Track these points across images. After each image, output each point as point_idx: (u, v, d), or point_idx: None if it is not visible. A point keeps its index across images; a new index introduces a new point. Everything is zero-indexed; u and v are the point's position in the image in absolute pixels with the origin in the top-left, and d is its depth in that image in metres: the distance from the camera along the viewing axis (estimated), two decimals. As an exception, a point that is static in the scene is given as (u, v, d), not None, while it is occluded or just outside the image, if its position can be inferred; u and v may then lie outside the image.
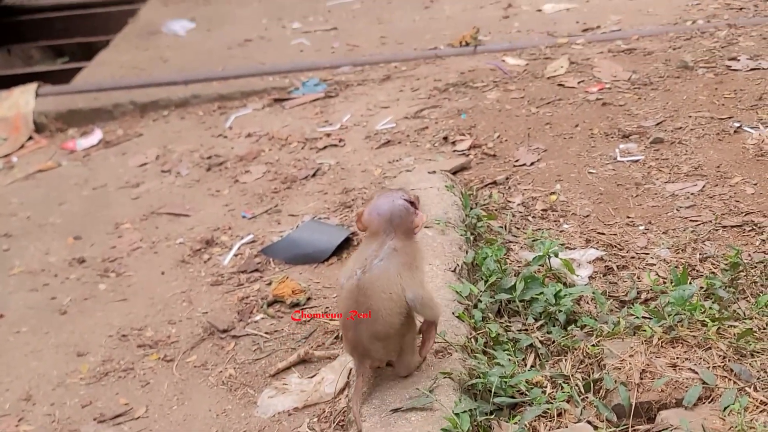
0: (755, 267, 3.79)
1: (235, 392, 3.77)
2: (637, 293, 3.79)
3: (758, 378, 3.07)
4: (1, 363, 4.33)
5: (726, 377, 3.08)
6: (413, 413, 2.99)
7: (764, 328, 3.27)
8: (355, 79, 6.76)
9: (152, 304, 4.55)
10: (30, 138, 6.98)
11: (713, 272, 3.84)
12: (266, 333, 4.09)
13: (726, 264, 3.80)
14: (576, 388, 3.19)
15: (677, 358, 3.17)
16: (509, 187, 4.84)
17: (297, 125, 6.20)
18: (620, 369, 3.15)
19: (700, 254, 4.01)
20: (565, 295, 3.65)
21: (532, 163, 5.06)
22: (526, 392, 3.17)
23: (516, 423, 3.05)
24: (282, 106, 6.58)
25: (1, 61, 10.26)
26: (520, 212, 4.57)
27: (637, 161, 4.91)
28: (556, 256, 3.85)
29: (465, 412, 2.95)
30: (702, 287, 3.67)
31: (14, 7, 10.70)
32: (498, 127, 5.52)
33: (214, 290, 4.54)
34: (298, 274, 4.48)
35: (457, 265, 3.80)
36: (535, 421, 3.09)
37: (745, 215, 4.28)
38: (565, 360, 3.35)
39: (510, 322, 3.63)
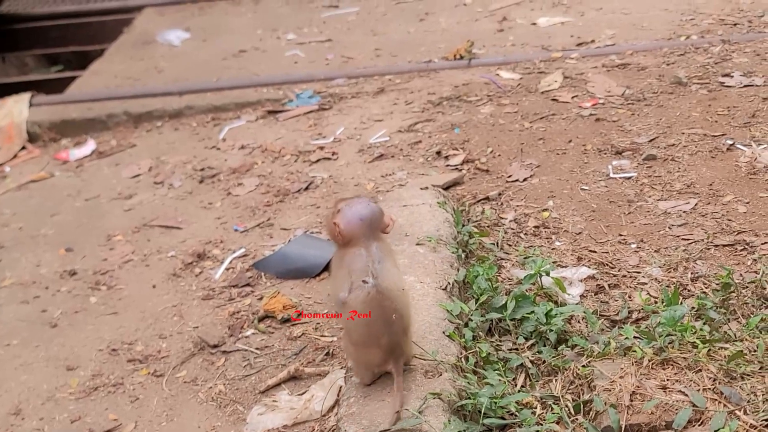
0: (746, 287, 3.79)
1: (225, 409, 3.76)
2: (629, 313, 3.79)
3: (748, 401, 3.07)
4: (-9, 376, 4.32)
5: (716, 400, 3.08)
6: (402, 434, 2.98)
7: (755, 351, 3.26)
8: (349, 91, 6.76)
9: (143, 318, 4.54)
10: (23, 148, 6.96)
11: (704, 292, 3.84)
12: (257, 348, 4.08)
13: (717, 284, 3.80)
14: (566, 409, 3.19)
15: (667, 380, 3.17)
16: (502, 203, 4.84)
17: (290, 138, 6.19)
18: (610, 390, 3.15)
19: (691, 273, 4.01)
20: (556, 314, 3.65)
21: (524, 179, 5.06)
22: (516, 413, 3.16)
23: (505, 444, 3.05)
24: (276, 118, 6.58)
25: (-4, 69, 10.25)
26: (512, 229, 4.57)
27: (629, 178, 4.91)
28: (548, 274, 3.85)
29: (454, 433, 2.95)
30: (693, 307, 3.67)
31: (9, 15, 10.67)
32: (491, 142, 5.52)
33: (205, 304, 4.53)
34: (290, 288, 4.47)
35: (448, 283, 3.80)
36: (525, 442, 3.09)
37: (737, 234, 4.28)
38: (556, 380, 3.35)
39: (501, 341, 3.63)
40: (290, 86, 7.00)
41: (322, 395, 3.58)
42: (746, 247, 4.17)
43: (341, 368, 3.71)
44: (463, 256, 4.15)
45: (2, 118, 7.16)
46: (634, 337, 3.45)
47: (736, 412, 3.03)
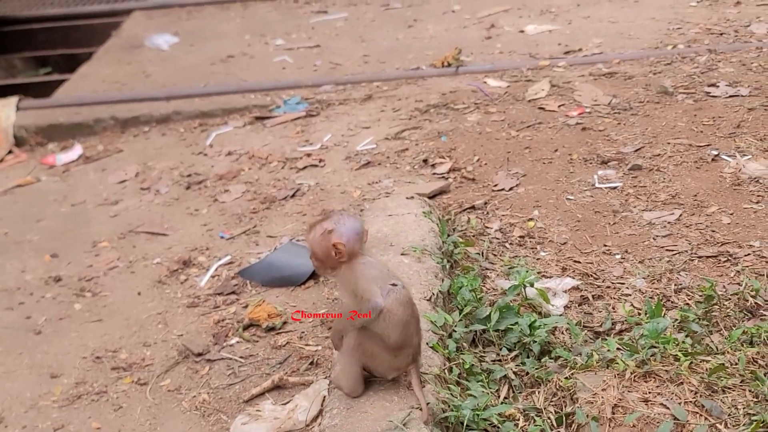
0: (729, 299, 3.82)
1: (209, 418, 3.76)
2: (612, 324, 3.81)
3: (729, 414, 3.08)
4: (-26, 384, 4.31)
5: (697, 413, 3.09)
6: (385, 447, 2.99)
7: (736, 364, 3.28)
8: (336, 98, 6.76)
9: (127, 325, 4.53)
10: (10, 152, 6.94)
11: (687, 304, 3.86)
12: (241, 357, 4.08)
13: (700, 296, 3.82)
14: (548, 421, 3.20)
15: (649, 392, 3.18)
16: (487, 213, 4.85)
17: (277, 144, 6.19)
18: (593, 403, 3.16)
19: (675, 285, 4.03)
20: (540, 325, 3.66)
21: (510, 188, 5.07)
22: (499, 426, 3.17)
23: (487, 457, 3.06)
24: (263, 124, 6.58)
25: (-16, 71, 10.22)
26: (498, 239, 4.58)
27: (615, 188, 4.93)
28: (532, 285, 3.86)
29: (436, 446, 2.96)
30: (676, 319, 3.69)
31: (-3, 18, 10.66)
32: (478, 151, 5.53)
33: (190, 312, 4.53)
34: (275, 297, 4.47)
35: (433, 294, 3.80)
36: (507, 455, 3.10)
37: (721, 245, 4.30)
38: (539, 392, 3.36)
39: (484, 352, 3.64)
40: (278, 92, 7.00)
41: (306, 405, 3.58)
42: (729, 258, 4.19)
43: (325, 378, 3.71)
44: (447, 266, 4.16)
45: (-11, 122, 7.14)
46: (617, 349, 3.46)
47: (717, 425, 3.04)
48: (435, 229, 4.37)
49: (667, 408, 3.10)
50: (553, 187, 5.03)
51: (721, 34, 6.98)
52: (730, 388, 3.18)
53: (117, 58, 8.49)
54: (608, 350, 3.44)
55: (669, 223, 4.54)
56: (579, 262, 4.31)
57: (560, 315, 3.88)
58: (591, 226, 4.62)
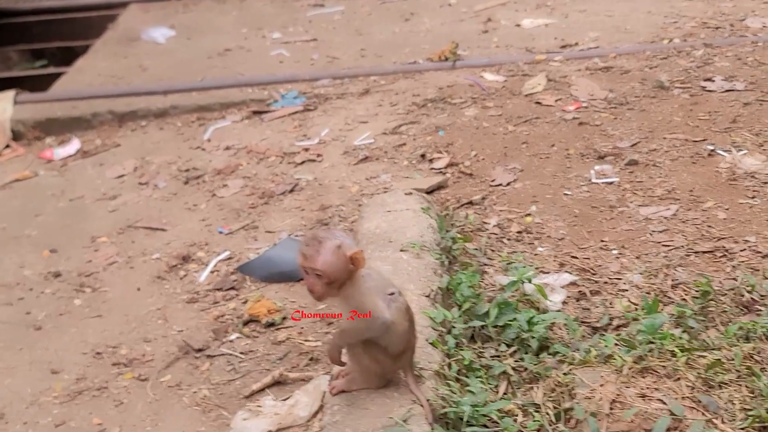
0: (725, 294, 3.84)
1: (209, 414, 3.78)
2: (609, 320, 3.83)
3: (726, 410, 3.11)
4: (-25, 380, 4.33)
5: (694, 408, 3.12)
6: (386, 443, 3.02)
7: (732, 359, 3.30)
8: (334, 92, 6.78)
9: (127, 321, 4.55)
10: (7, 146, 6.95)
11: (684, 299, 3.89)
12: (241, 353, 4.10)
13: (697, 291, 3.85)
14: (547, 417, 3.22)
15: (647, 388, 3.21)
16: (485, 208, 4.88)
17: (275, 139, 6.21)
18: (591, 399, 3.18)
19: (671, 280, 4.06)
20: (538, 321, 3.69)
21: (508, 183, 5.09)
22: (498, 421, 3.19)
23: (487, 453, 3.09)
24: (261, 118, 6.60)
25: (-20, 64, 10.22)
26: (496, 234, 4.61)
27: (611, 183, 4.96)
28: (530, 281, 3.89)
29: (437, 442, 2.99)
30: (673, 315, 3.72)
31: (-7, 10, 10.65)
32: (475, 145, 5.56)
33: (189, 308, 4.55)
34: (274, 292, 4.49)
35: (432, 290, 3.83)
36: (506, 450, 3.13)
37: (717, 241, 4.33)
38: (537, 388, 3.38)
39: (483, 348, 3.66)
40: (275, 86, 7.02)
41: (306, 401, 3.61)
42: (726, 253, 4.22)
43: (325, 373, 3.73)
44: (446, 262, 4.18)
45: (-14, 117, 7.15)
46: (615, 345, 3.49)
47: (714, 420, 3.07)
48: (433, 225, 4.40)
49: (665, 403, 3.12)
50: (551, 182, 5.05)
51: (717, 28, 7.02)
52: (726, 384, 3.20)
53: (113, 51, 8.51)
54: (606, 346, 3.47)
55: (665, 218, 4.57)
56: (576, 258, 4.34)
57: (558, 311, 3.91)
58: (588, 221, 4.65)
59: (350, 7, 8.84)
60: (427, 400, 3.15)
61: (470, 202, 4.94)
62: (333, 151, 5.87)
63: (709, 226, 4.45)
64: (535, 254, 4.42)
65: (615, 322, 3.83)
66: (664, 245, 4.35)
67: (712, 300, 3.77)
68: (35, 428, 3.92)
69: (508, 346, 3.66)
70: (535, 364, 3.50)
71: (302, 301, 4.39)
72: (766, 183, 4.75)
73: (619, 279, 4.14)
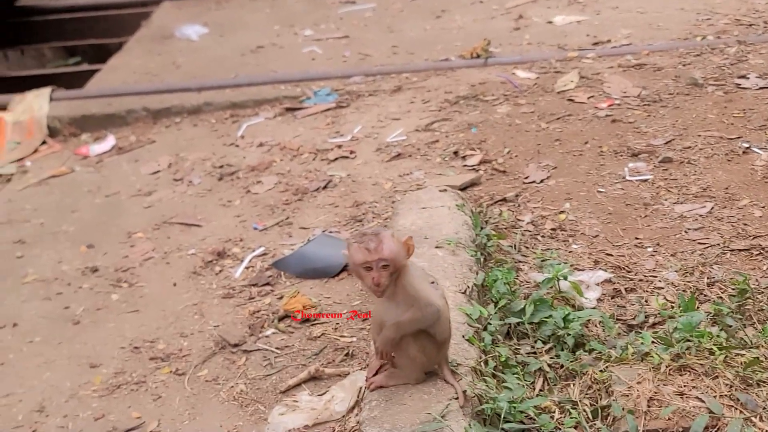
0: (762, 293, 3.84)
1: (246, 408, 3.81)
2: (645, 317, 3.83)
3: (764, 408, 3.11)
4: (15, 373, 4.38)
5: (732, 406, 3.12)
6: (424, 438, 3.04)
7: (770, 358, 3.31)
8: (366, 89, 6.80)
9: (164, 316, 4.60)
10: (43, 142, 7.04)
11: (720, 297, 3.88)
12: (277, 348, 4.13)
13: (733, 289, 3.85)
14: (584, 414, 3.24)
15: (684, 386, 3.22)
16: (519, 205, 4.88)
17: (308, 136, 6.24)
18: (628, 396, 3.20)
19: (707, 278, 4.05)
20: (574, 318, 3.70)
21: (541, 181, 5.10)
22: (535, 418, 3.21)
23: (524, 449, 3.11)
24: (294, 115, 6.63)
25: (15, 61, 10.33)
26: (530, 231, 4.62)
27: (645, 180, 4.95)
28: (566, 278, 3.90)
29: (475, 437, 3.00)
30: (709, 313, 3.71)
31: (28, 8, 10.76)
32: (508, 143, 5.56)
33: (225, 303, 4.59)
34: (309, 288, 4.52)
35: (468, 286, 3.85)
36: (543, 447, 3.15)
37: (753, 239, 4.32)
38: (573, 385, 3.40)
39: (519, 344, 3.68)
40: (308, 83, 7.05)
41: (342, 396, 3.63)
42: (762, 251, 4.21)
43: (361, 369, 3.76)
44: (481, 259, 4.20)
45: (22, 113, 7.23)
46: (652, 343, 3.49)
47: (752, 418, 3.07)
48: (468, 222, 4.41)
49: (703, 401, 3.13)
50: (584, 179, 5.05)
51: (750, 25, 6.97)
52: (764, 382, 3.20)
53: (147, 48, 8.58)
54: (643, 343, 3.48)
55: (700, 216, 4.56)
56: (611, 255, 4.34)
57: (593, 308, 3.92)
58: (622, 218, 4.64)
59: (381, 4, 8.86)
60: (464, 392, 3.18)
61: (504, 199, 4.95)
62: (366, 148, 5.90)
63: (745, 224, 4.44)
64: (570, 251, 4.42)
65: (651, 320, 3.83)
66: (699, 243, 4.34)
67: (749, 298, 3.77)
68: (75, 421, 3.98)
69: (544, 342, 3.68)
70: (572, 361, 3.52)
71: (337, 297, 4.41)
72: (802, 181, 4.73)
73: (655, 276, 4.14)
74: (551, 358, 3.59)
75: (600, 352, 3.52)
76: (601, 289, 4.07)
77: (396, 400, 3.22)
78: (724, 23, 7.05)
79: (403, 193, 5.10)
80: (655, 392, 3.18)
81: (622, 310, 3.94)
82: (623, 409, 3.14)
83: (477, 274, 3.99)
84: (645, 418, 3.11)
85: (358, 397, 3.56)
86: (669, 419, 3.09)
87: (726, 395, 3.16)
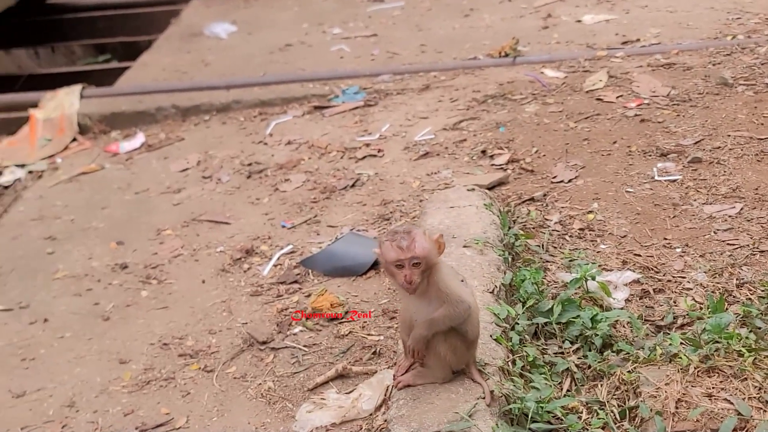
0: (792, 295, 3.81)
1: (274, 405, 3.83)
2: (674, 318, 3.82)
3: (793, 410, 3.10)
4: (45, 369, 4.43)
5: (761, 409, 3.11)
6: (451, 438, 3.05)
7: (800, 360, 3.29)
8: (394, 87, 6.81)
9: (193, 312, 4.63)
10: (74, 139, 7.10)
11: (750, 299, 3.86)
12: (305, 346, 4.15)
13: (763, 291, 3.83)
14: (611, 415, 3.24)
15: (713, 387, 3.21)
16: (547, 205, 4.88)
17: (336, 134, 6.26)
18: (656, 397, 3.19)
19: (737, 279, 4.03)
20: (602, 319, 3.69)
21: (569, 180, 5.09)
22: (563, 418, 3.21)
23: (551, 449, 3.11)
24: (322, 113, 6.65)
25: (46, 59, 10.43)
26: (557, 231, 4.61)
27: (674, 181, 4.93)
28: (594, 278, 3.89)
29: (502, 437, 3.01)
30: (738, 314, 3.70)
31: (59, 6, 10.85)
32: (536, 142, 5.56)
33: (253, 300, 4.62)
34: (337, 286, 4.54)
35: (495, 286, 3.85)
36: (571, 447, 3.15)
37: (783, 240, 4.30)
38: (601, 385, 3.40)
39: (546, 344, 3.68)
40: (336, 82, 7.07)
41: (369, 394, 3.65)
42: (792, 253, 4.19)
43: (388, 368, 3.77)
44: (509, 258, 4.20)
45: (53, 110, 7.30)
46: (680, 344, 3.48)
47: (782, 421, 3.06)
48: (496, 221, 4.42)
49: (731, 403, 3.12)
50: (612, 179, 5.04)
51: (782, 24, 6.93)
52: (794, 385, 3.20)
53: (177, 46, 8.64)
54: (671, 345, 3.47)
55: (730, 216, 4.54)
56: (639, 256, 4.33)
57: (621, 308, 3.91)
58: (651, 219, 4.63)
59: (410, 3, 8.87)
60: (491, 392, 3.19)
61: (531, 199, 4.95)
62: (394, 146, 5.91)
63: (775, 226, 4.42)
64: (598, 252, 4.41)
65: (679, 321, 3.81)
66: (728, 244, 4.32)
67: (778, 300, 3.75)
68: (105, 417, 4.02)
69: (572, 343, 3.68)
70: (599, 362, 3.52)
71: (364, 295, 4.43)
72: (833, 182, 4.70)
73: (683, 277, 4.13)
74: (579, 358, 3.59)
75: (628, 353, 3.52)
76: (629, 289, 4.07)
77: (424, 399, 3.23)
78: (754, 22, 7.00)
79: (431, 192, 5.11)
80: (683, 394, 3.18)
81: (650, 310, 3.93)
82: (651, 410, 3.14)
83: (505, 273, 3.99)
84: (673, 420, 3.10)
85: (385, 395, 3.58)
86: (697, 421, 3.08)
87: (755, 397, 3.15)
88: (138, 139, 6.88)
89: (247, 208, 5.57)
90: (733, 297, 3.92)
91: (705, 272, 4.12)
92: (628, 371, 3.37)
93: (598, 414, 3.25)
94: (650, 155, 5.22)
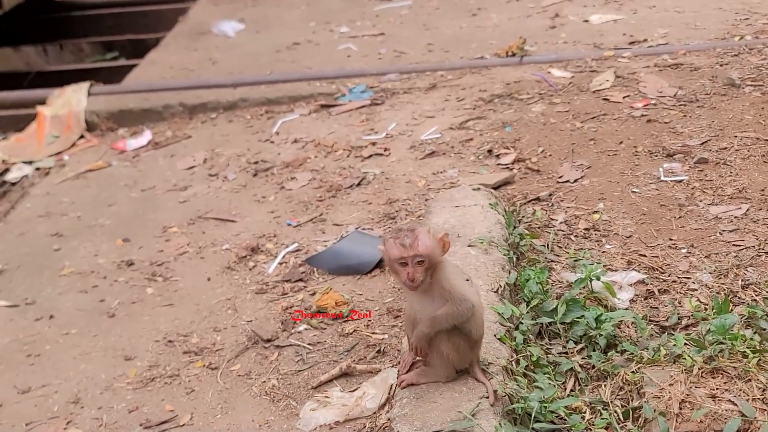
0: (797, 296, 3.81)
1: (278, 403, 3.84)
2: (678, 319, 3.82)
3: (797, 412, 3.10)
4: (51, 365, 4.44)
5: (765, 410, 3.10)
6: (454, 437, 3.05)
7: (804, 362, 3.28)
8: (401, 86, 6.82)
9: (198, 310, 4.64)
10: (81, 137, 7.12)
11: (755, 300, 3.86)
12: (309, 344, 4.15)
13: (768, 292, 3.83)
14: (615, 415, 3.24)
15: (717, 389, 3.20)
16: (552, 204, 4.88)
17: (343, 132, 6.27)
18: (660, 398, 3.19)
19: (742, 280, 4.03)
20: (606, 319, 3.70)
21: (575, 180, 5.09)
22: (566, 418, 3.21)
23: (554, 449, 3.11)
24: (328, 112, 6.66)
25: (54, 56, 10.45)
26: (563, 231, 4.61)
27: (680, 181, 4.93)
28: (598, 279, 3.89)
29: (505, 437, 3.01)
30: (743, 315, 3.69)
31: (67, 3, 10.88)
32: (542, 142, 5.56)
33: (258, 298, 4.62)
34: (342, 285, 4.54)
35: (500, 285, 3.85)
36: (574, 447, 3.15)
37: (789, 242, 4.29)
38: (605, 386, 3.40)
39: (550, 344, 3.69)
40: (343, 80, 7.08)
41: (373, 392, 3.65)
42: (798, 255, 4.19)
43: (392, 366, 3.77)
44: (514, 258, 4.20)
45: (61, 107, 7.31)
46: (684, 345, 3.48)
47: (785, 422, 3.06)
48: (501, 221, 4.41)
49: (735, 404, 3.12)
50: (618, 179, 5.04)
51: (790, 25, 6.91)
52: (798, 386, 3.19)
53: (184, 44, 8.65)
54: (675, 345, 3.47)
55: (736, 217, 4.54)
56: (644, 256, 4.33)
57: (626, 309, 3.91)
58: (656, 219, 4.63)
59: (417, 2, 8.87)
60: (494, 391, 3.19)
61: (537, 199, 4.95)
62: (400, 145, 5.91)
63: (781, 227, 4.41)
64: (603, 252, 4.41)
65: (684, 322, 3.82)
66: (734, 245, 4.32)
67: (783, 301, 3.74)
68: (109, 413, 4.03)
69: (576, 343, 3.68)
70: (603, 362, 3.52)
71: (369, 294, 4.43)
72: (839, 183, 4.69)
73: (688, 278, 4.12)
74: (583, 358, 3.59)
75: (632, 354, 3.52)
76: (633, 290, 4.07)
77: (427, 398, 3.23)
78: (762, 23, 6.99)
79: (437, 191, 5.11)
80: (687, 394, 3.17)
81: (654, 311, 3.93)
82: (655, 410, 3.14)
83: (509, 273, 3.99)
84: (676, 421, 3.10)
85: (389, 394, 3.59)
86: (701, 422, 3.08)
87: (759, 398, 3.15)
88: (145, 137, 6.89)
89: (253, 206, 5.58)
90: (738, 298, 3.92)
91: (710, 273, 4.11)
92: (632, 372, 3.36)
93: (601, 414, 3.26)
94: (656, 155, 5.22)
